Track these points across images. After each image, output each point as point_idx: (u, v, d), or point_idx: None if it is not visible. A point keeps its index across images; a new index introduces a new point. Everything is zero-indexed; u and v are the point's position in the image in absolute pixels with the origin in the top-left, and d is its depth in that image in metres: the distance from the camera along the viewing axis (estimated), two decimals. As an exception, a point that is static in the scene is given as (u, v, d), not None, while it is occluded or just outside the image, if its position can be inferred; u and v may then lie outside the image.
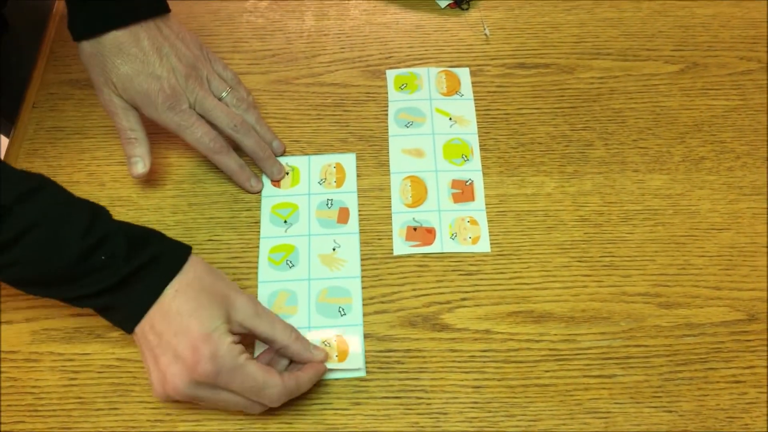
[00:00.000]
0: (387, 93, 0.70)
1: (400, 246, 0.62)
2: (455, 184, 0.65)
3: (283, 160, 0.66)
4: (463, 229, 0.63)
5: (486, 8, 0.77)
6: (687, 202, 0.64)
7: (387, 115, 0.69)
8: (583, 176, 0.66)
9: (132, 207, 0.64)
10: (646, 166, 0.66)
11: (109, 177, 0.65)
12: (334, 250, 0.61)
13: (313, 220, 0.63)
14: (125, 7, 0.58)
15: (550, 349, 0.57)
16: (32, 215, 0.47)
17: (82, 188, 0.64)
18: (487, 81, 0.71)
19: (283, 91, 0.71)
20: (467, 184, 0.65)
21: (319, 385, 0.55)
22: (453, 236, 0.62)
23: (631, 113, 0.69)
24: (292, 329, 0.53)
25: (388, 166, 0.66)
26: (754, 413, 0.55)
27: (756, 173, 0.66)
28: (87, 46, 0.59)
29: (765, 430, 0.54)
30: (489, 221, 0.63)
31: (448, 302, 0.59)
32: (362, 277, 0.60)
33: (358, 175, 0.66)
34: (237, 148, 0.64)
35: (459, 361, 0.57)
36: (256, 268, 0.61)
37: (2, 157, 0.65)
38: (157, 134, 0.64)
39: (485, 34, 0.75)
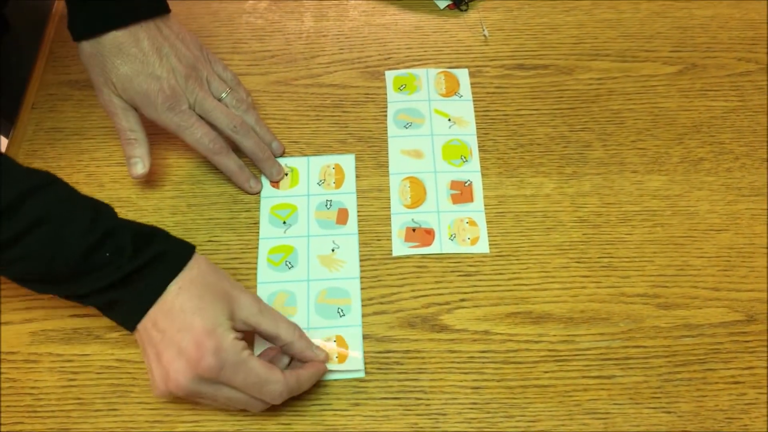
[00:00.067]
0: (386, 94, 0.70)
1: (399, 247, 0.62)
2: (454, 185, 0.65)
3: (282, 161, 0.66)
4: (462, 230, 0.63)
5: (485, 9, 0.77)
6: (686, 203, 0.64)
7: (386, 116, 0.69)
8: (582, 177, 0.66)
9: (131, 208, 0.64)
10: (645, 167, 0.66)
11: (108, 178, 0.65)
12: (333, 251, 0.62)
13: (312, 221, 0.63)
14: (125, 7, 0.58)
15: (549, 350, 0.57)
16: (37, 212, 0.47)
17: (82, 189, 0.63)
18: (486, 82, 0.72)
19: (282, 92, 0.71)
20: (466, 185, 0.65)
21: (318, 385, 0.55)
22: (452, 237, 0.62)
23: (630, 114, 0.69)
24: (296, 327, 0.54)
25: (387, 167, 0.66)
26: (753, 414, 0.55)
27: (755, 174, 0.66)
28: (87, 46, 0.59)
29: (764, 430, 0.54)
30: (488, 222, 0.63)
31: (447, 303, 0.59)
32: (361, 278, 0.60)
33: (357, 176, 0.66)
34: (236, 149, 0.64)
35: (458, 362, 0.57)
36: (255, 268, 0.61)
37: (1, 158, 0.65)
38: (157, 135, 0.64)
39: (484, 35, 0.75)
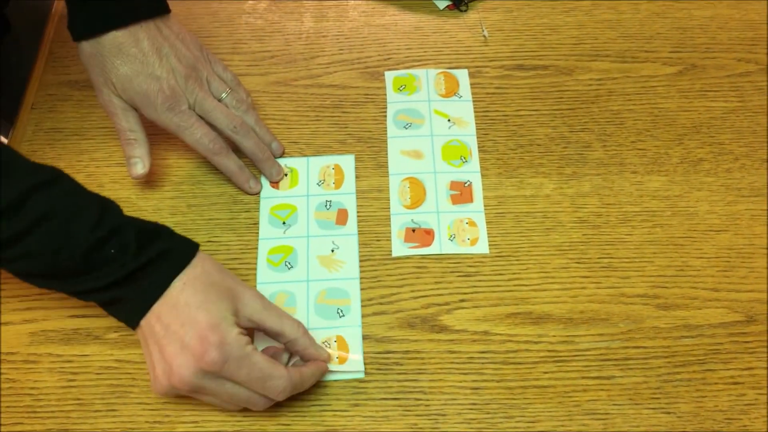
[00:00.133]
0: (386, 94, 0.70)
1: (399, 247, 0.62)
2: (454, 185, 0.65)
3: (281, 161, 0.66)
4: (462, 231, 0.63)
5: (484, 10, 0.77)
6: (685, 203, 0.64)
7: (386, 116, 0.69)
8: (582, 178, 0.66)
9: (131, 208, 0.64)
10: (645, 168, 0.66)
11: (108, 178, 0.65)
12: (332, 251, 0.62)
13: (311, 222, 0.63)
14: (125, 7, 0.58)
15: (549, 351, 0.57)
16: (44, 207, 0.47)
17: (81, 189, 0.64)
18: (486, 82, 0.72)
19: (281, 92, 0.71)
20: (466, 185, 0.65)
21: (317, 386, 0.55)
22: (451, 238, 0.62)
23: (630, 115, 0.69)
24: (300, 324, 0.54)
25: (387, 167, 0.66)
26: (753, 414, 0.55)
27: (754, 175, 0.66)
28: (87, 46, 0.59)
29: (764, 431, 0.54)
30: (487, 223, 0.63)
31: (447, 303, 0.59)
32: (361, 278, 0.60)
33: (356, 177, 0.66)
34: (236, 150, 0.64)
35: (457, 363, 0.57)
36: (255, 269, 0.61)
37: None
38: (157, 135, 0.64)
39: (484, 36, 0.75)
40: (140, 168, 0.61)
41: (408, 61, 0.73)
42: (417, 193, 0.65)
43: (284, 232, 0.62)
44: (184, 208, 0.64)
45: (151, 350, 0.50)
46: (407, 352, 0.57)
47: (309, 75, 0.72)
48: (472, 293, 0.60)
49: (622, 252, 0.62)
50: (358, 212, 0.64)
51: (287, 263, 0.61)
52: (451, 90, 0.71)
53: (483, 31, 0.75)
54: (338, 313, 0.59)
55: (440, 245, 0.62)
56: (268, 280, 0.60)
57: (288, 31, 0.75)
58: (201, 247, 0.52)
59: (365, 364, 0.57)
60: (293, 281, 0.60)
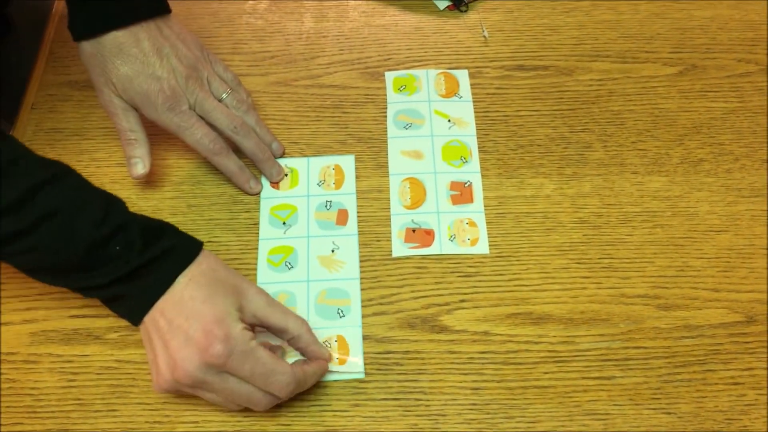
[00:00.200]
0: (386, 95, 0.70)
1: (399, 248, 0.62)
2: (454, 185, 0.65)
3: (282, 161, 0.66)
4: (462, 231, 0.63)
5: (485, 10, 0.77)
6: (685, 204, 0.64)
7: (386, 116, 0.69)
8: (582, 178, 0.66)
9: (131, 208, 0.63)
10: (645, 168, 0.66)
11: (108, 178, 0.65)
12: (333, 251, 0.62)
13: (312, 222, 0.63)
14: (125, 7, 0.58)
15: (549, 351, 0.57)
16: (50, 203, 0.47)
17: (81, 189, 0.64)
18: (486, 83, 0.72)
19: (282, 92, 0.71)
20: (466, 185, 0.65)
21: (318, 386, 0.55)
22: (452, 238, 0.62)
23: (630, 115, 0.70)
24: (304, 321, 0.54)
25: (387, 167, 0.66)
26: (753, 415, 0.55)
27: (754, 175, 0.66)
28: (87, 46, 0.59)
29: (764, 431, 0.54)
30: (488, 223, 0.63)
31: (447, 304, 0.59)
32: (361, 278, 0.60)
33: (356, 177, 0.66)
34: (236, 150, 0.64)
35: (458, 363, 0.57)
36: (255, 269, 0.61)
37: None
38: (157, 135, 0.64)
39: (484, 36, 0.75)
40: (141, 168, 0.61)
41: (408, 61, 0.73)
42: (417, 194, 0.65)
43: (284, 233, 0.62)
44: (184, 208, 0.64)
45: (155, 345, 0.49)
46: (407, 352, 0.57)
47: (309, 75, 0.72)
48: (472, 293, 0.60)
49: (623, 252, 0.62)
50: (358, 212, 0.64)
51: (287, 263, 0.61)
52: (452, 90, 0.71)
53: (483, 31, 0.75)
54: (338, 313, 0.59)
55: (440, 245, 0.62)
56: (269, 281, 0.60)
57: (288, 32, 0.75)
58: (202, 247, 0.52)
59: (365, 364, 0.57)
60: (293, 281, 0.60)
